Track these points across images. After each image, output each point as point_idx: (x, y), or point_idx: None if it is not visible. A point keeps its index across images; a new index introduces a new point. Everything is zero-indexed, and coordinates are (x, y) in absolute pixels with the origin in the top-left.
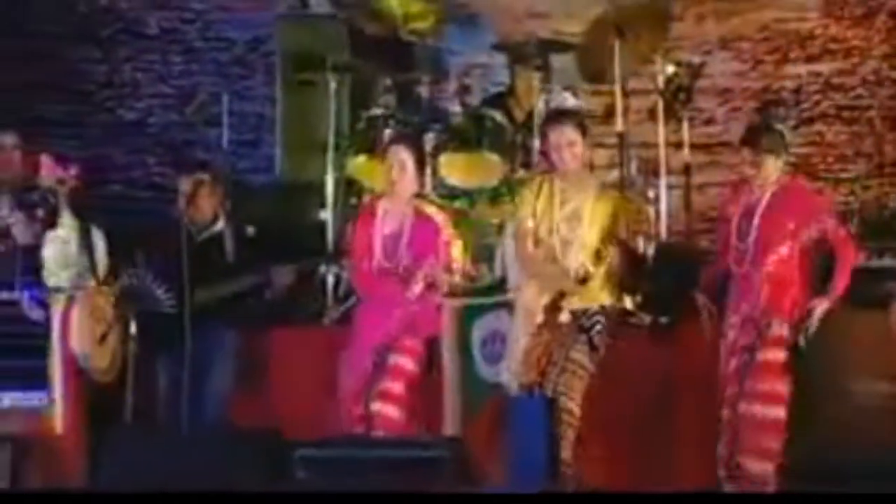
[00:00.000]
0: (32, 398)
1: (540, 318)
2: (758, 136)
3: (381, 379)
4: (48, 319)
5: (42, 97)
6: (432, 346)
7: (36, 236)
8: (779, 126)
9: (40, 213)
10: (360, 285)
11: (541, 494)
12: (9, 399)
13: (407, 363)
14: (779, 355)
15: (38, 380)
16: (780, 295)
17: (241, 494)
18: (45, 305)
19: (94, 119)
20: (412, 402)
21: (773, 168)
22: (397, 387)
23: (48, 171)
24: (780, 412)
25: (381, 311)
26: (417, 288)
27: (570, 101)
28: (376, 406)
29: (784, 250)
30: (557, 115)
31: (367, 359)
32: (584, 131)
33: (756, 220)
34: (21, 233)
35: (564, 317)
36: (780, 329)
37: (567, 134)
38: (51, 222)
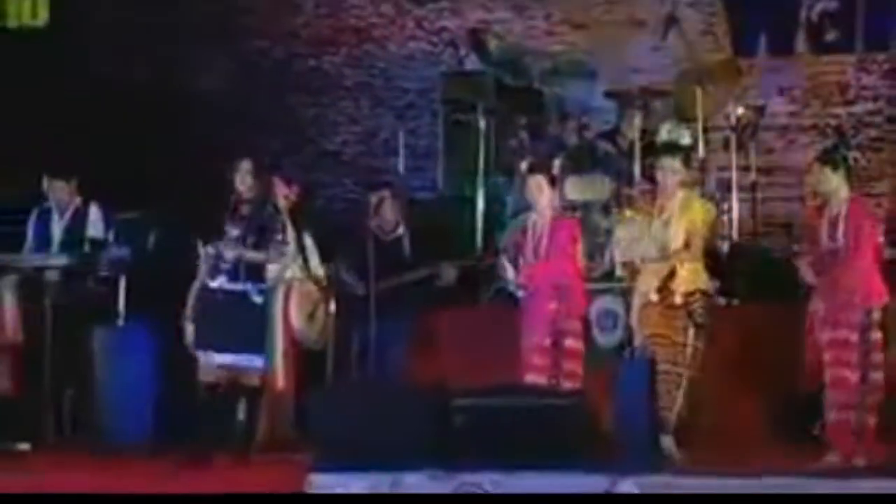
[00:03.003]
0: (255, 360)
1: (652, 299)
2: (831, 157)
3: (564, 360)
4: (267, 303)
5: (268, 133)
6: (585, 322)
7: (258, 245)
8: (846, 152)
9: (267, 226)
10: (523, 277)
11: (550, 495)
12: (240, 361)
13: (579, 346)
14: (854, 335)
15: (259, 347)
16: (861, 283)
17: (248, 496)
18: (263, 293)
19: (305, 150)
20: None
21: (838, 182)
22: (579, 367)
23: (278, 190)
24: (854, 376)
25: (539, 296)
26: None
27: (685, 137)
28: (567, 384)
29: (864, 248)
30: (672, 148)
31: (542, 323)
32: (686, 163)
33: (842, 227)
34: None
35: (672, 298)
36: (858, 311)
37: (674, 165)
38: (275, 231)
